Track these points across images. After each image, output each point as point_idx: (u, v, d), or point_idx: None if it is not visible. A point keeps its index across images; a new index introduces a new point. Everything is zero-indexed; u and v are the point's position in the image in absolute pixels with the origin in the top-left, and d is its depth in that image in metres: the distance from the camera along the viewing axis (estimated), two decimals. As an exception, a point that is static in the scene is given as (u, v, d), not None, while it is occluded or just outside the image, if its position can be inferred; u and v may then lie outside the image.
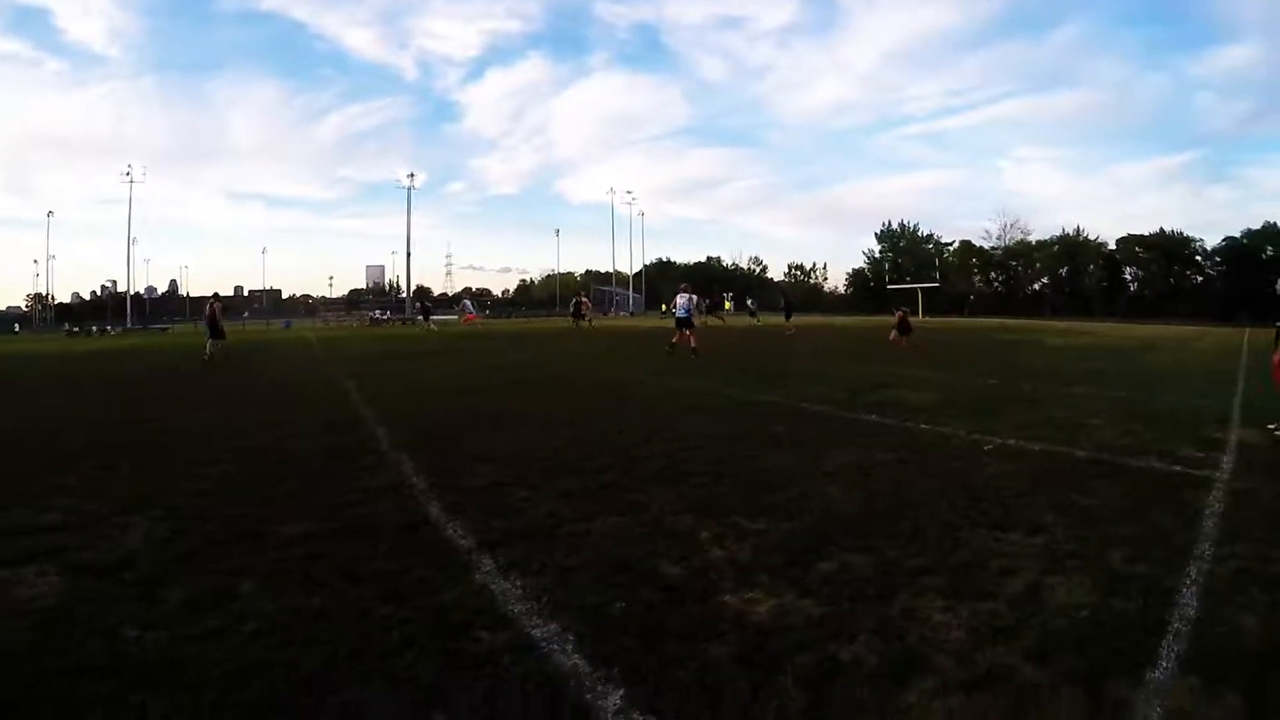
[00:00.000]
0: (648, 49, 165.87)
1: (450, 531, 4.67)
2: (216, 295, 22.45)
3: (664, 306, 45.05)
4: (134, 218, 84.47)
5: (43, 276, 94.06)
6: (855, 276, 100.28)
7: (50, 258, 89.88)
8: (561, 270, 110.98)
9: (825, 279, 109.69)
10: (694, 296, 20.82)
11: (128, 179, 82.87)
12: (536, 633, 3.22)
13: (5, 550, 4.49)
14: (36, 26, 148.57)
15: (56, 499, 5.65)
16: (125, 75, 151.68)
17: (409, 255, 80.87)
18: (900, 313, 22.84)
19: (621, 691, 2.73)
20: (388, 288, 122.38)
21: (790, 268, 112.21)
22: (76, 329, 69.72)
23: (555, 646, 3.09)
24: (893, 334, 21.72)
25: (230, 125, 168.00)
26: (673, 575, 3.79)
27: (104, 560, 4.34)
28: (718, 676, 2.80)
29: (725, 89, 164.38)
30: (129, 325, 79.54)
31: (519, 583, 3.80)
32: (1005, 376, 13.54)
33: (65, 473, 6.54)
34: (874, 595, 3.49)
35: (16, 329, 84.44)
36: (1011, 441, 7.15)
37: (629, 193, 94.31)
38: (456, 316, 57.72)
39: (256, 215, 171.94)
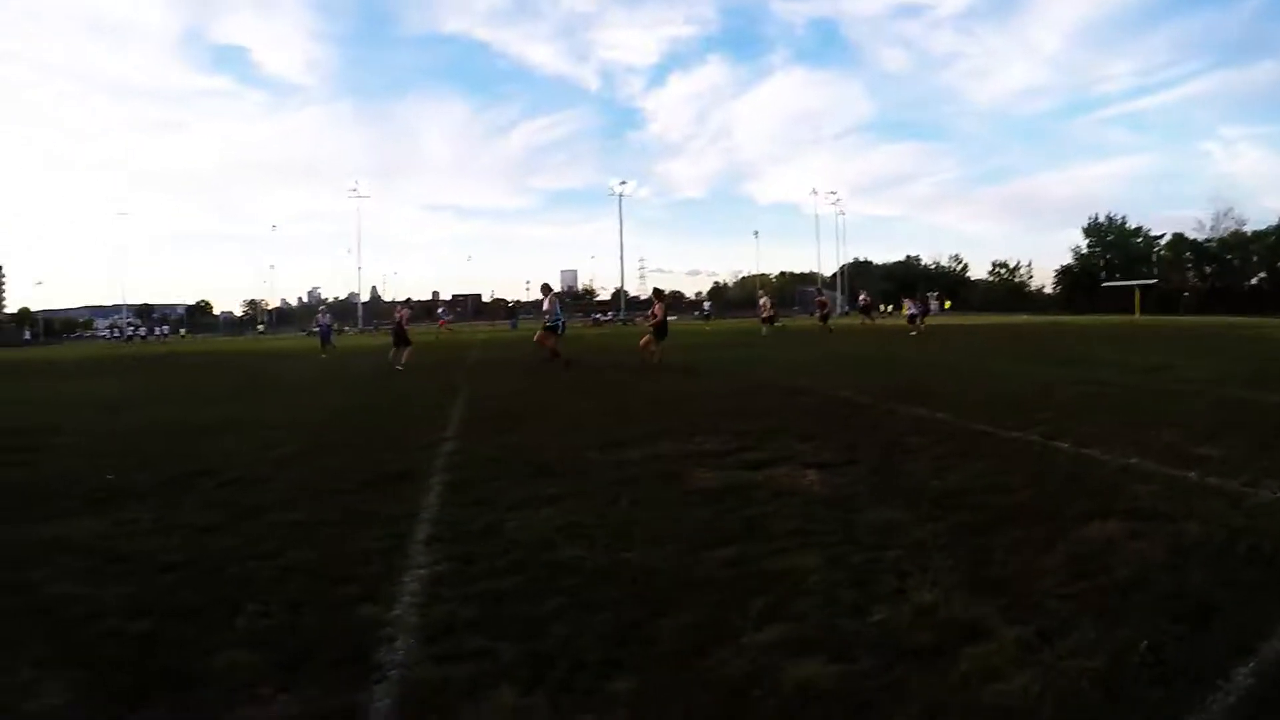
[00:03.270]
0: (826, 44, 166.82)
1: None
2: (408, 301, 23.72)
3: (887, 307, 47.41)
4: (346, 231, 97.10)
5: (268, 284, 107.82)
6: (1063, 274, 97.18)
7: (270, 267, 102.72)
8: (755, 272, 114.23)
9: (1031, 277, 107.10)
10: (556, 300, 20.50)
11: (353, 194, 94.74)
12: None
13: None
14: (236, 63, 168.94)
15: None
16: (322, 101, 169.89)
17: (622, 259, 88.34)
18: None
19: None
20: (582, 291, 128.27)
21: (994, 265, 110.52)
22: (316, 329, 79.76)
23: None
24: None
25: (423, 142, 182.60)
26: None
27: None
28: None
29: (908, 80, 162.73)
30: (361, 327, 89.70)
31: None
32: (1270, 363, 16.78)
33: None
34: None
35: (260, 328, 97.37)
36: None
37: (832, 193, 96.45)
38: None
39: (450, 225, 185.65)
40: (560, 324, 20.13)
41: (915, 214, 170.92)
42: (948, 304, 60.88)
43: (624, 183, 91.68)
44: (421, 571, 4.46)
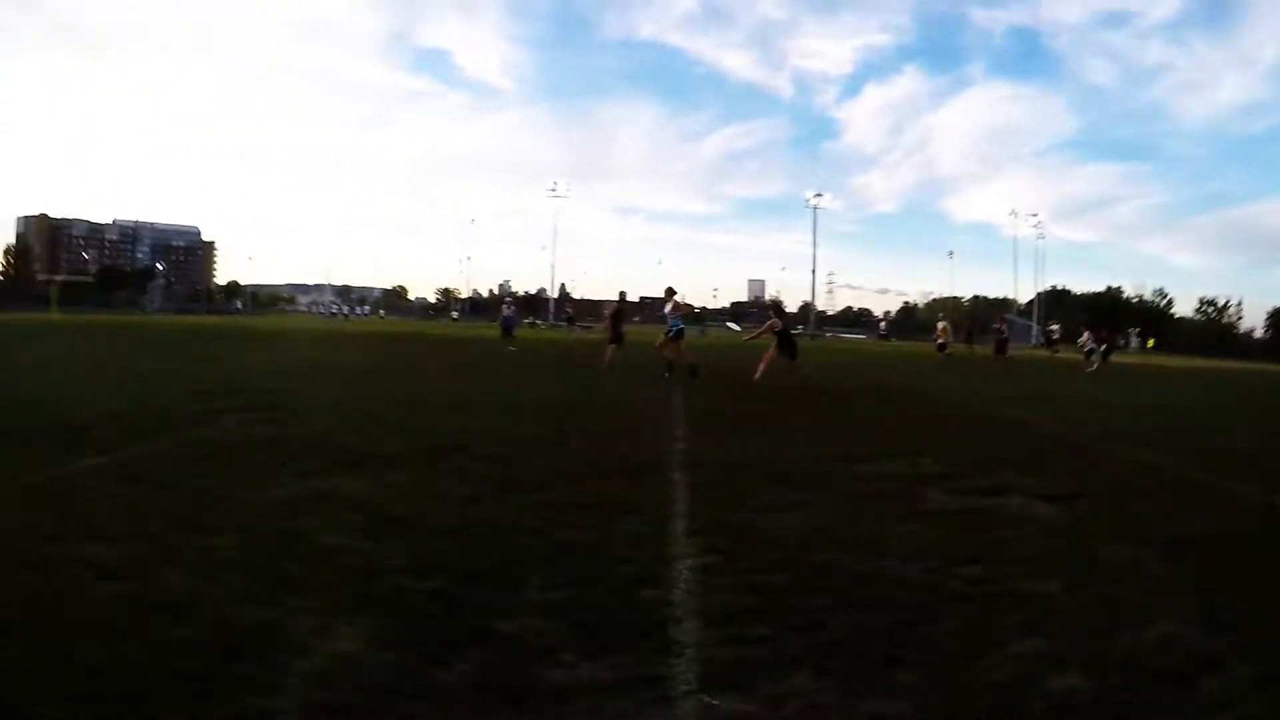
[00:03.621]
0: (1027, 55, 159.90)
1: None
2: (622, 296, 23.43)
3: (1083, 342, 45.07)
4: (538, 227, 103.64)
5: (462, 273, 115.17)
6: (1276, 317, 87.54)
7: (466, 258, 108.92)
8: (947, 294, 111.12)
9: (1240, 318, 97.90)
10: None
11: (551, 193, 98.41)
12: None
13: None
14: (439, 65, 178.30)
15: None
16: (520, 103, 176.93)
17: (814, 273, 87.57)
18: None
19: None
20: (770, 303, 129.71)
21: (1201, 302, 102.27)
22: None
23: None
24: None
25: (617, 145, 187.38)
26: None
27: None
28: None
29: (1114, 94, 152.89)
30: (554, 320, 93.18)
31: None
32: None
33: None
34: None
35: (454, 315, 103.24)
36: None
37: (1033, 215, 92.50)
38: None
39: (640, 228, 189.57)
40: (677, 330, 19.11)
41: (1118, 240, 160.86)
42: (1150, 342, 57.37)
43: (819, 195, 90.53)
44: (689, 560, 4.84)
